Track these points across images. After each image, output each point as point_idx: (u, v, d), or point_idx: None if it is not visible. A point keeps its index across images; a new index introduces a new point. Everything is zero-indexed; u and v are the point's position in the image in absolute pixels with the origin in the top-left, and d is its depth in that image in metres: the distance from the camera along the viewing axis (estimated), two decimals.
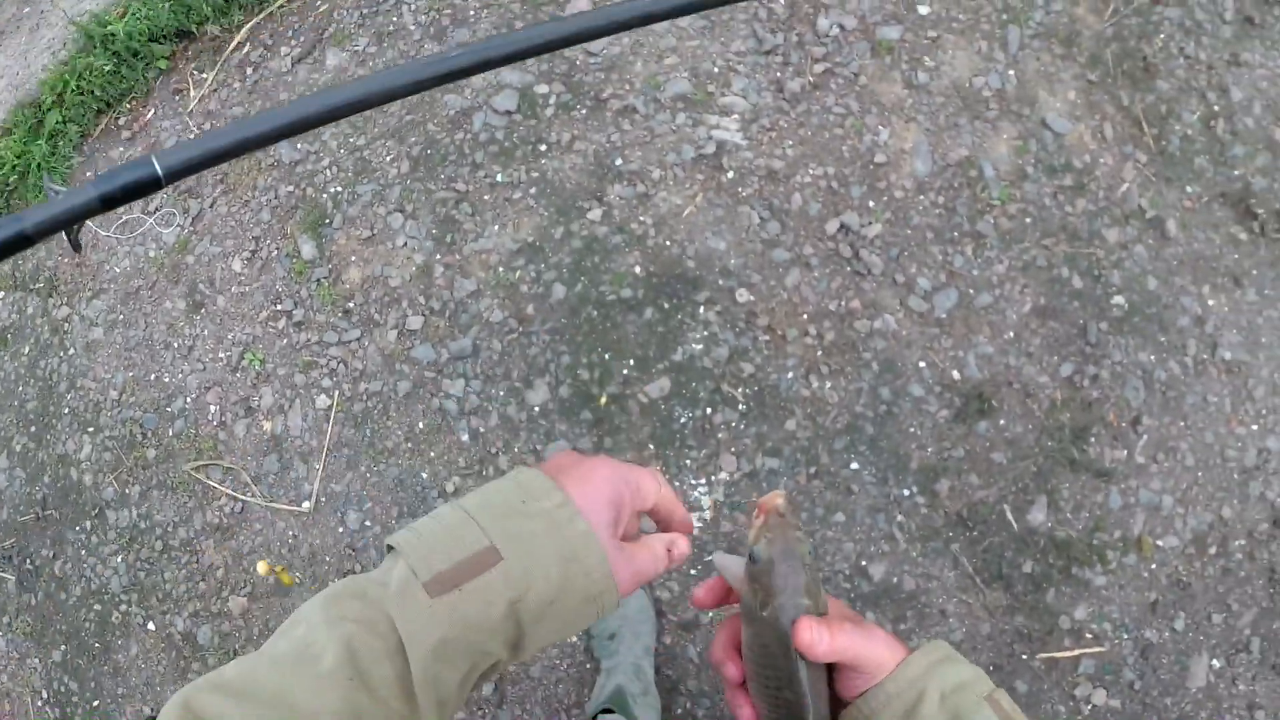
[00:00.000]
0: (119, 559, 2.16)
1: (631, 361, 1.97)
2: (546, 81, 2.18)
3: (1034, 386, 1.92)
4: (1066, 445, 1.90)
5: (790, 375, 1.94)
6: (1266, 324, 1.97)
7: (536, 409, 1.98)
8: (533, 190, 2.10)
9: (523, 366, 2.01)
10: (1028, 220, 2.00)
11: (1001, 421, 1.91)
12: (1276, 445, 1.91)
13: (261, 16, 2.39)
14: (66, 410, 2.28)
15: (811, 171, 2.04)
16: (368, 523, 2.02)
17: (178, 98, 2.41)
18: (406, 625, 0.55)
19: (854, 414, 1.92)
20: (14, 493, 2.30)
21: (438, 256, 2.10)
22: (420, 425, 2.03)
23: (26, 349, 2.37)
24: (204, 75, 2.39)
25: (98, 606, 2.16)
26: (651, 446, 1.93)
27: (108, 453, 2.21)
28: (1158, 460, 1.90)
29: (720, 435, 1.92)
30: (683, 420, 1.94)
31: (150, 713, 1.71)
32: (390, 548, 0.60)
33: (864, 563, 1.86)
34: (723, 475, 1.91)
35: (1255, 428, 1.92)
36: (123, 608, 2.13)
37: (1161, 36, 2.12)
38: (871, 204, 2.01)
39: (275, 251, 2.21)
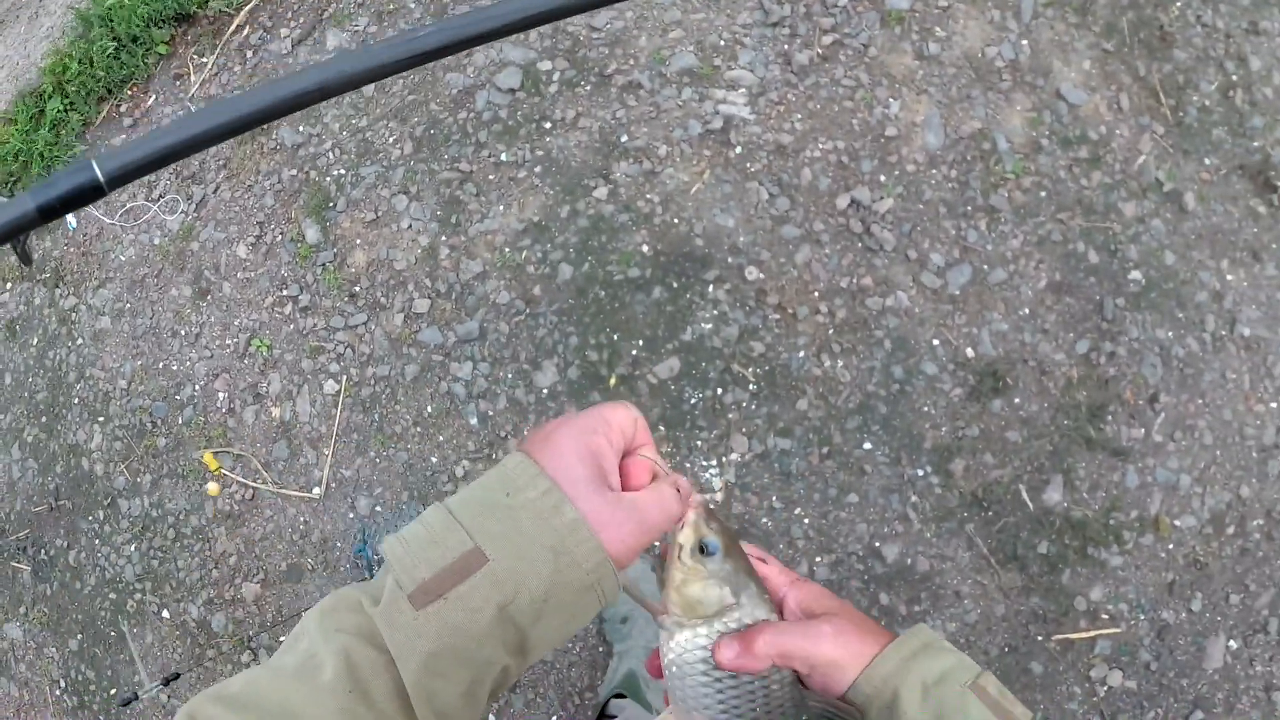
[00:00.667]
0: (132, 548, 2.16)
1: (640, 342, 1.95)
2: (550, 58, 2.14)
3: (1049, 364, 1.89)
4: (1083, 423, 1.87)
5: (801, 354, 1.91)
6: None
7: (545, 391, 1.97)
8: (538, 169, 2.08)
9: (530, 348, 1.99)
10: (1042, 194, 1.97)
11: (1016, 400, 1.88)
12: None
13: None
14: (76, 400, 2.28)
15: (821, 146, 2.00)
16: (378, 508, 2.01)
17: (178, 82, 2.39)
18: (394, 640, 0.54)
19: (866, 393, 1.89)
20: (27, 484, 2.30)
21: (443, 238, 2.08)
22: (429, 409, 2.02)
23: (35, 340, 2.36)
24: (204, 59, 2.37)
25: (113, 595, 2.17)
26: (662, 428, 1.91)
27: (118, 442, 2.21)
28: (1175, 439, 1.87)
29: (731, 416, 1.90)
30: (693, 401, 1.92)
31: (166, 677, 1.72)
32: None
33: (878, 544, 1.84)
34: (734, 456, 1.89)
35: (1275, 405, 1.89)
36: (137, 596, 2.14)
37: (1179, 4, 2.07)
38: (883, 178, 1.98)
39: (280, 236, 2.19)
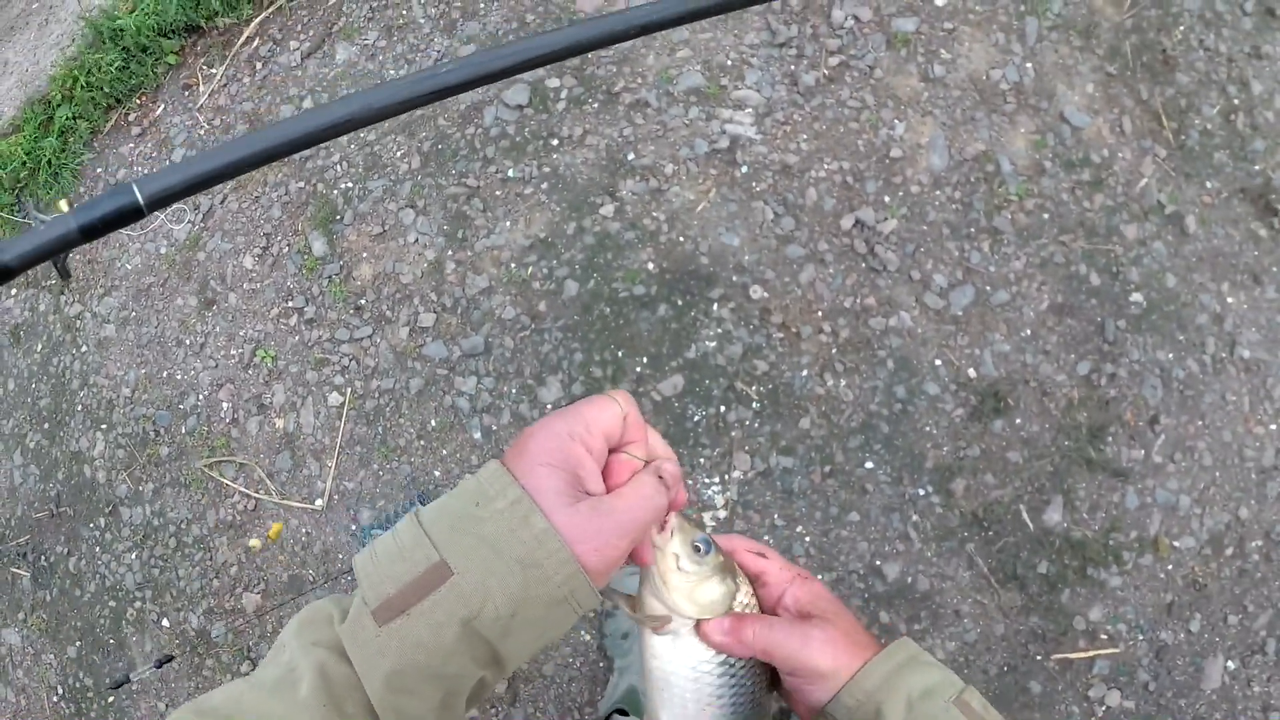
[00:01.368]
0: (133, 556, 2.16)
1: (644, 359, 1.96)
2: (558, 75, 2.16)
3: (1051, 385, 1.91)
4: (1083, 444, 1.88)
5: (804, 373, 1.92)
6: None
7: (549, 406, 1.97)
8: (544, 185, 2.09)
9: (535, 364, 2.00)
10: (1045, 216, 1.98)
11: (1018, 420, 1.89)
12: None
13: (270, 10, 2.37)
14: (79, 407, 2.28)
15: (826, 166, 2.02)
16: (388, 510, 2.01)
17: (187, 93, 2.40)
18: (356, 657, 0.54)
19: (869, 412, 1.91)
20: (28, 490, 2.31)
21: (449, 253, 2.09)
22: (432, 423, 2.02)
23: (39, 346, 2.37)
24: (213, 70, 2.38)
25: (112, 603, 2.17)
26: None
27: (121, 450, 2.22)
28: (1175, 460, 1.88)
29: (734, 433, 1.91)
30: (696, 418, 1.93)
31: (164, 656, 1.72)
32: None
33: (878, 562, 1.85)
34: (736, 474, 1.90)
35: (1274, 427, 1.91)
36: (137, 604, 2.14)
37: (1181, 28, 2.09)
38: (887, 199, 1.99)
39: (286, 248, 2.20)
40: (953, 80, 2.06)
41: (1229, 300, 1.96)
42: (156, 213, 1.92)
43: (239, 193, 2.28)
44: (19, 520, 2.31)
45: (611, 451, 0.60)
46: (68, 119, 2.35)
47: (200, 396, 2.18)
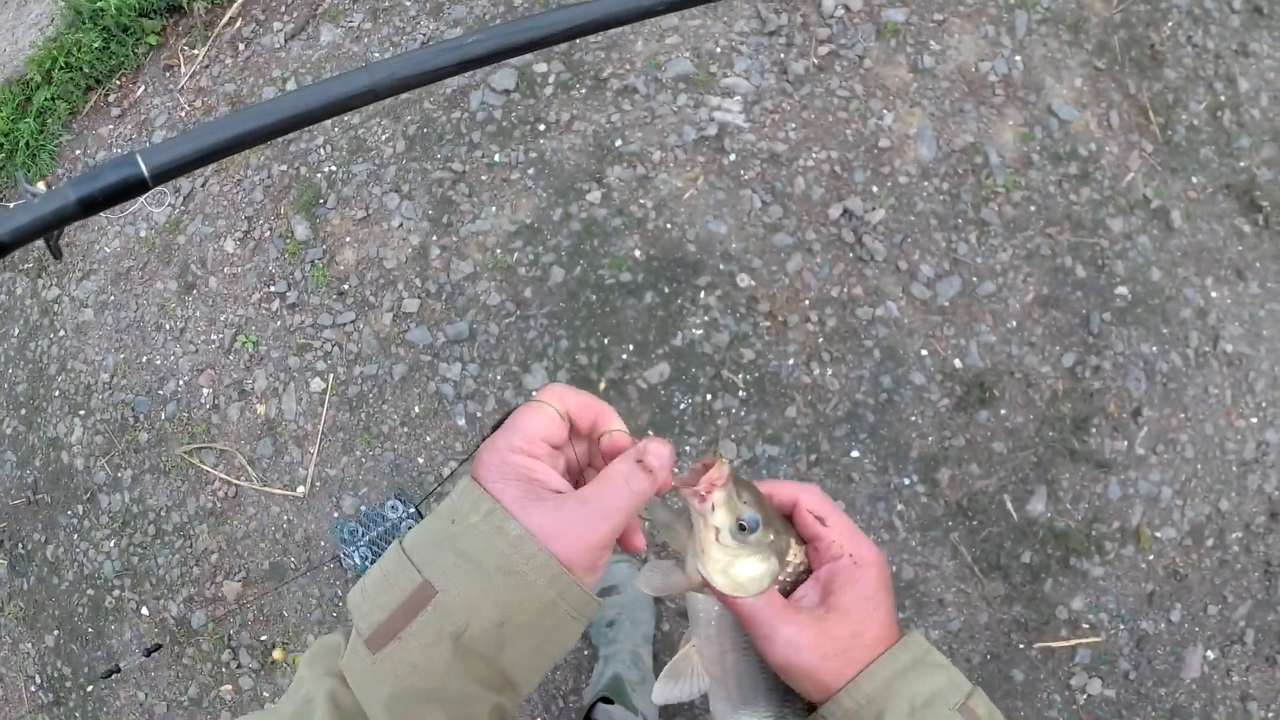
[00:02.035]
0: (112, 543, 2.14)
1: (631, 346, 1.95)
2: (545, 60, 2.14)
3: (1036, 376, 1.91)
4: (1067, 435, 1.89)
5: (791, 362, 1.92)
6: (1268, 317, 1.96)
7: (534, 393, 1.95)
8: (531, 171, 2.07)
9: (520, 350, 1.98)
10: (1032, 208, 1.99)
11: (1003, 411, 1.90)
12: (1275, 438, 1.91)
13: None
14: (57, 393, 2.25)
15: (815, 155, 2.01)
16: (363, 507, 2.00)
17: (168, 74, 2.36)
18: (356, 686, 0.55)
19: (855, 401, 1.90)
20: (4, 476, 2.27)
21: (434, 238, 2.07)
22: (416, 409, 2.01)
23: (16, 330, 2.33)
24: (195, 51, 2.34)
25: (90, 591, 2.14)
26: (650, 432, 1.91)
27: (99, 436, 2.19)
28: (1157, 452, 1.89)
29: (720, 422, 1.91)
30: (682, 406, 1.92)
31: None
32: None
33: None
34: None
35: (1255, 420, 1.92)
36: (116, 592, 2.12)
37: (1170, 24, 2.09)
38: (875, 189, 1.99)
39: (268, 232, 2.18)
40: (942, 72, 2.06)
41: (1213, 295, 1.97)
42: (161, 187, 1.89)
43: (220, 175, 2.24)
44: None
45: (599, 445, 0.61)
46: (46, 100, 2.31)
47: (180, 382, 2.15)
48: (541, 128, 2.09)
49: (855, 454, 1.89)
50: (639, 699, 1.65)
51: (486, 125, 2.11)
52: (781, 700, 0.62)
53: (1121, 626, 1.84)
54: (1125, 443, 1.89)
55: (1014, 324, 1.93)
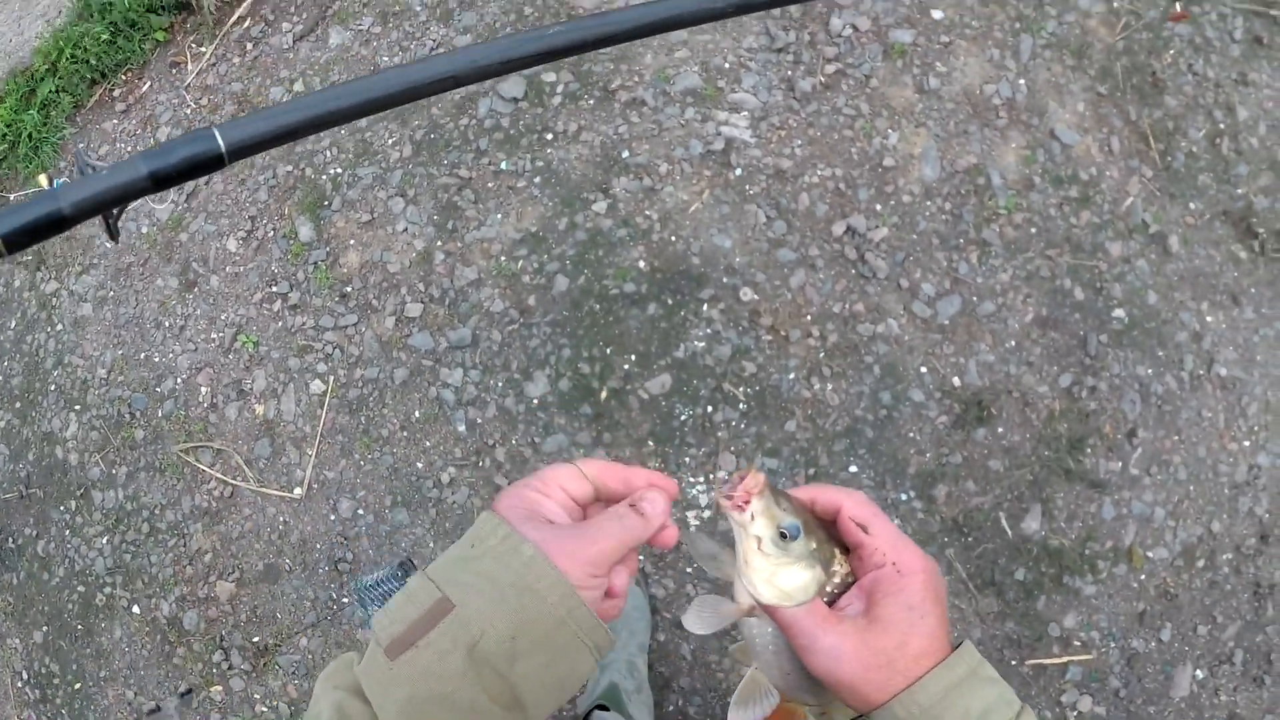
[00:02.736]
0: (104, 540, 2.12)
1: (633, 357, 1.96)
2: (555, 69, 2.15)
3: (1033, 396, 1.93)
4: (1063, 455, 1.91)
5: (792, 376, 1.93)
6: (1262, 342, 1.99)
7: (535, 401, 1.97)
8: (537, 180, 2.08)
9: (522, 358, 1.99)
10: (1032, 230, 2.01)
11: (1000, 429, 1.92)
12: (1267, 462, 1.94)
13: None
14: (53, 387, 2.23)
15: (820, 172, 2.03)
16: (360, 511, 1.99)
17: (175, 71, 2.36)
18: (372, 691, 0.58)
19: (854, 417, 1.92)
20: None
21: (439, 243, 2.08)
22: (416, 414, 2.01)
23: (13, 323, 2.32)
24: (202, 49, 2.34)
25: (81, 588, 2.12)
26: (651, 443, 1.92)
27: (94, 432, 2.17)
28: (1151, 473, 1.92)
29: (720, 434, 1.92)
30: (683, 418, 1.93)
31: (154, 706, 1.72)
32: None
33: None
34: (721, 474, 1.90)
35: (1247, 444, 1.95)
36: (107, 590, 2.10)
37: (1171, 52, 2.13)
38: (879, 207, 2.01)
39: (272, 232, 2.17)
40: (947, 93, 2.08)
41: (1208, 319, 2.00)
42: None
43: (224, 174, 2.24)
44: None
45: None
46: (51, 92, 2.30)
47: (178, 380, 2.15)
48: (549, 137, 2.10)
49: (853, 469, 1.90)
50: (634, 708, 1.65)
51: (494, 133, 2.12)
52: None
53: (1112, 645, 1.86)
54: (1120, 463, 1.92)
55: (1013, 344, 1.96)
